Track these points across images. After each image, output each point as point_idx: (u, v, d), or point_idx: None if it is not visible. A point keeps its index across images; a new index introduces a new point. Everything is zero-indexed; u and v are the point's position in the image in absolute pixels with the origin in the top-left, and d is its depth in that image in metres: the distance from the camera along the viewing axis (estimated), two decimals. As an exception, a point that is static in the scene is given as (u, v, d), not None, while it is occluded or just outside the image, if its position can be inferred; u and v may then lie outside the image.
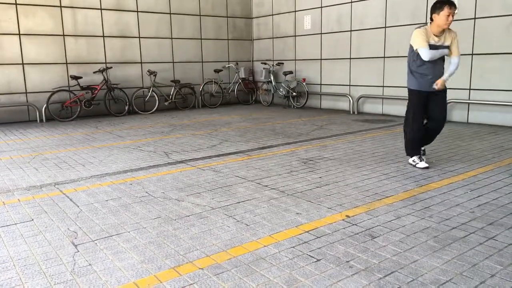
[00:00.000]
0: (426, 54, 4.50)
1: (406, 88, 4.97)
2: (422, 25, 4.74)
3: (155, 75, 10.72)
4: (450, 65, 4.67)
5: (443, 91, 4.77)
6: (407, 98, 4.98)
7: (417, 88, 4.74)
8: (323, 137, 6.91)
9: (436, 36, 4.58)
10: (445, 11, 4.41)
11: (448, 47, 4.63)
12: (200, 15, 11.91)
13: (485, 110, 7.93)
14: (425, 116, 4.90)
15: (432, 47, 4.56)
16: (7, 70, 9.19)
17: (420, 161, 4.88)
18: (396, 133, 7.19)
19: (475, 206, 3.56)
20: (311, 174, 4.66)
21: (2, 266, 2.63)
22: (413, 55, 4.69)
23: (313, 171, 4.79)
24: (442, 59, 4.71)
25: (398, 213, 3.41)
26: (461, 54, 7.97)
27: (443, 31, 4.58)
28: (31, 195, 4.07)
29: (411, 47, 4.70)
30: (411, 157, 4.98)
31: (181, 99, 11.40)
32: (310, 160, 5.30)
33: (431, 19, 4.59)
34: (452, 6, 4.43)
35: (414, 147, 4.94)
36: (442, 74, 4.70)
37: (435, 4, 4.54)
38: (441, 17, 4.45)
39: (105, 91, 10.00)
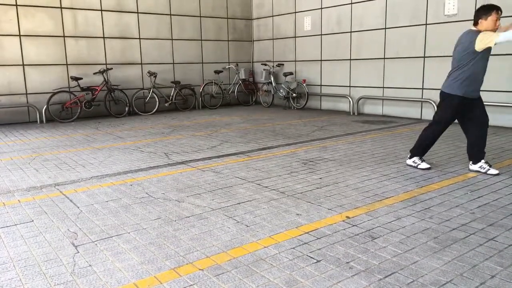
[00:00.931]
0: (505, 35, 4.15)
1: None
2: (475, 30, 4.48)
3: (155, 76, 10.73)
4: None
5: (480, 96, 4.67)
6: (439, 102, 4.81)
7: (462, 94, 4.53)
8: (323, 138, 6.91)
9: None
10: (493, 16, 4.32)
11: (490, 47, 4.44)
12: (200, 16, 11.92)
13: (485, 111, 7.93)
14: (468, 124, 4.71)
15: (486, 52, 4.41)
16: (8, 71, 9.19)
17: (422, 161, 4.88)
18: (396, 134, 7.20)
19: (475, 207, 3.56)
20: (311, 175, 4.66)
21: (2, 267, 2.63)
22: (470, 60, 4.44)
23: (313, 172, 4.79)
24: (485, 69, 4.55)
25: (398, 214, 3.41)
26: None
27: None
28: (31, 196, 4.07)
29: (467, 53, 4.42)
30: (412, 157, 4.94)
31: (181, 100, 11.40)
32: (310, 161, 5.30)
33: (476, 23, 4.46)
34: (499, 10, 4.35)
35: (421, 148, 4.90)
36: (482, 83, 4.60)
37: (481, 8, 4.43)
38: (488, 22, 4.35)
39: (105, 92, 10.01)
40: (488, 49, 4.41)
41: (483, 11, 4.42)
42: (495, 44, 4.27)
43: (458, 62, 4.54)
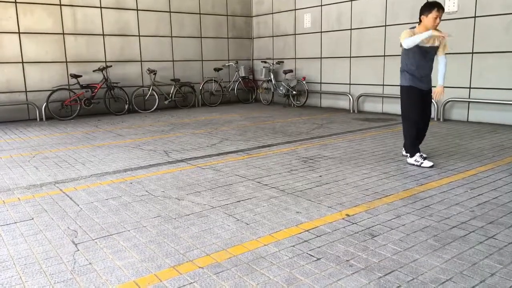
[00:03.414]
0: (406, 42, 4.55)
1: (399, 87, 5.09)
2: (412, 27, 4.83)
3: (155, 74, 10.72)
4: (440, 66, 4.86)
5: (431, 91, 4.96)
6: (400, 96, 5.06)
7: (412, 84, 4.84)
8: (323, 136, 6.91)
9: None
10: (433, 13, 4.54)
11: (437, 48, 4.79)
12: (200, 14, 11.90)
13: (485, 109, 7.93)
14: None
15: (418, 49, 4.69)
16: (7, 69, 9.18)
17: (424, 159, 4.83)
18: (396, 132, 7.19)
19: (475, 205, 3.56)
20: (311, 173, 4.66)
21: (2, 265, 2.63)
22: (405, 54, 4.80)
23: (313, 170, 4.79)
24: (431, 60, 4.84)
25: (398, 212, 3.41)
26: (461, 53, 8.01)
27: None
28: (31, 194, 4.07)
29: (401, 48, 4.81)
30: (413, 155, 4.91)
31: (181, 98, 11.39)
32: (310, 159, 5.30)
33: (420, 20, 4.71)
34: (441, 9, 4.56)
35: (414, 144, 4.93)
36: (430, 73, 4.88)
37: (424, 5, 4.66)
38: (429, 19, 4.58)
39: (105, 89, 10.00)
40: (419, 47, 4.67)
41: (425, 8, 4.63)
42: (406, 46, 4.60)
43: (402, 55, 4.90)
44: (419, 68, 4.76)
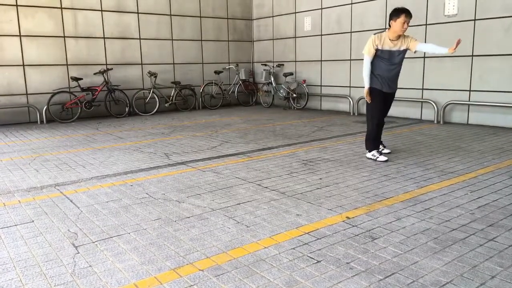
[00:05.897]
0: (365, 62, 5.04)
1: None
2: (381, 30, 5.11)
3: (155, 77, 10.73)
4: (428, 46, 5.15)
5: (394, 93, 5.38)
6: (373, 98, 5.34)
7: (377, 87, 5.18)
8: (323, 139, 6.92)
9: (393, 41, 4.98)
10: (402, 18, 4.81)
11: (403, 52, 5.06)
12: (200, 17, 11.93)
13: (485, 112, 7.93)
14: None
15: (385, 52, 5.00)
16: (8, 72, 9.20)
17: (380, 155, 5.26)
18: (396, 134, 7.20)
19: (475, 207, 3.56)
20: (311, 175, 4.67)
21: (2, 268, 2.63)
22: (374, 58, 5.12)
23: (313, 172, 4.79)
24: (399, 63, 5.13)
25: (398, 215, 3.41)
26: (461, 56, 8.03)
27: (398, 36, 4.99)
28: (32, 197, 4.07)
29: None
30: (371, 151, 5.33)
31: (181, 101, 11.41)
32: (310, 162, 5.31)
33: (389, 25, 4.96)
34: (409, 15, 4.85)
35: (374, 141, 5.36)
36: (397, 78, 5.23)
37: (393, 11, 4.91)
38: (397, 24, 4.85)
39: (106, 92, 10.01)
40: (388, 51, 5.01)
41: (394, 14, 4.91)
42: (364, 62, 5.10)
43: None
44: (388, 71, 5.09)
